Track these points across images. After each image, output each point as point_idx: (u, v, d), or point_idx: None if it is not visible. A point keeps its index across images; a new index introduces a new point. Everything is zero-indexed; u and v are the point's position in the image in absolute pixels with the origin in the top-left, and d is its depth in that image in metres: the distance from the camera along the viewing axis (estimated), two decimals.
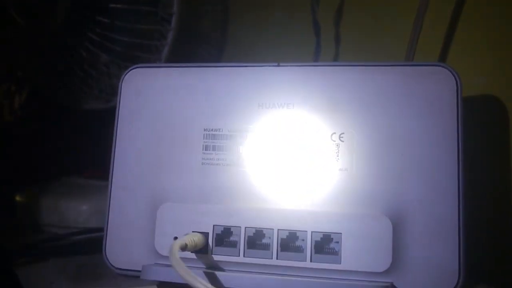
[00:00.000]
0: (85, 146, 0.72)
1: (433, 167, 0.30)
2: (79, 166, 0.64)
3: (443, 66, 0.32)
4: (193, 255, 0.31)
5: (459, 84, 0.31)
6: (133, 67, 0.36)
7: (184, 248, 0.28)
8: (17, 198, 0.55)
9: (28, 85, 0.66)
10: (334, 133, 0.32)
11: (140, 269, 0.31)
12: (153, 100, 0.35)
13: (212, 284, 0.26)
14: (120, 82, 0.36)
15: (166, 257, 0.31)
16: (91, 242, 0.41)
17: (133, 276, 0.32)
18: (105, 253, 0.34)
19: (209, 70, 0.34)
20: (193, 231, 0.32)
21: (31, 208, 0.52)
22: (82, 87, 0.56)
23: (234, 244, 0.31)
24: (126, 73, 0.36)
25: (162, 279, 0.29)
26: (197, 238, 0.30)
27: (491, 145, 0.40)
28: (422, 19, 0.40)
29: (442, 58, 0.43)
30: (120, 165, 0.35)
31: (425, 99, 0.31)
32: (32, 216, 0.51)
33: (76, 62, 0.53)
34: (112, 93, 0.56)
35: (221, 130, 0.33)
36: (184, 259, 0.30)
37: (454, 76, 0.31)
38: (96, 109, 0.57)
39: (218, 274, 0.29)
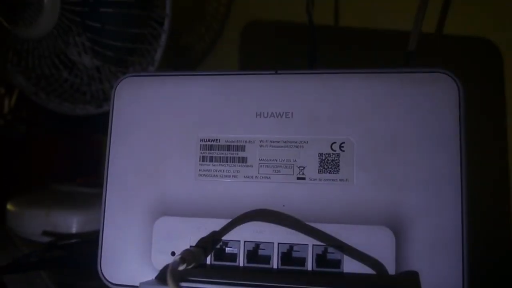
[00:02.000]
0: (77, 151, 0.71)
1: (435, 177, 0.30)
2: (71, 173, 0.63)
3: (444, 72, 0.31)
4: (191, 270, 0.30)
5: (461, 90, 0.30)
6: (125, 76, 0.35)
7: (182, 265, 0.27)
8: (8, 206, 0.54)
9: (17, 89, 0.65)
10: (335, 142, 0.31)
11: (136, 284, 0.30)
12: (147, 110, 0.34)
13: None
14: (113, 91, 0.35)
15: None
16: (87, 254, 0.41)
17: None
18: (100, 267, 0.33)
19: (205, 78, 0.34)
20: (191, 246, 0.31)
21: (21, 217, 0.51)
22: (73, 92, 0.55)
23: (233, 259, 0.30)
24: (119, 82, 0.35)
25: None
26: (195, 253, 0.29)
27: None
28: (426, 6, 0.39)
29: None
30: (115, 177, 0.34)
31: (426, 106, 0.31)
32: (23, 225, 0.50)
33: (66, 67, 0.52)
34: (103, 98, 0.55)
35: (218, 140, 0.33)
36: (182, 274, 0.30)
37: (455, 82, 0.31)
38: (87, 114, 0.56)
39: None
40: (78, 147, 0.72)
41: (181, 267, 0.27)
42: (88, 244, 0.42)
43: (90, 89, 0.55)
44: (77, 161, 0.68)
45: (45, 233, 0.49)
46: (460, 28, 0.43)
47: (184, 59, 0.75)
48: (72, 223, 0.48)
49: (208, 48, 0.74)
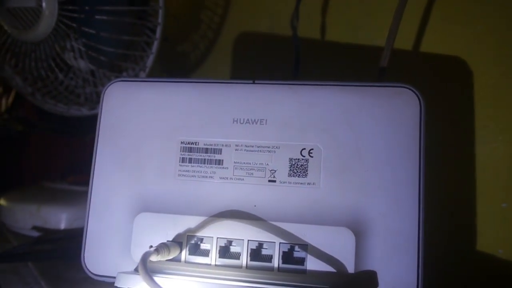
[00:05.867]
0: (71, 151, 0.74)
1: (395, 183, 0.32)
2: (64, 172, 0.65)
3: (408, 88, 0.33)
4: (167, 263, 0.33)
5: (422, 105, 0.33)
6: (114, 80, 0.37)
7: (156, 256, 0.30)
8: (0, 201, 0.56)
9: (15, 88, 0.67)
10: (304, 148, 0.33)
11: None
12: (133, 112, 0.36)
13: None
14: (102, 94, 0.37)
15: None
16: (72, 248, 0.43)
17: (110, 282, 0.34)
18: (83, 259, 0.35)
19: (188, 85, 0.36)
20: (167, 241, 0.33)
21: (13, 212, 0.53)
22: (68, 94, 0.57)
23: (206, 253, 0.33)
24: (108, 86, 0.37)
25: (135, 286, 0.31)
26: (171, 247, 0.31)
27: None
28: (397, 27, 0.41)
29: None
30: (100, 174, 0.36)
31: (390, 118, 0.33)
32: (14, 219, 0.52)
33: (62, 70, 0.55)
34: (97, 100, 0.57)
35: (197, 143, 0.35)
36: (158, 266, 0.32)
37: (418, 97, 0.33)
38: (80, 115, 0.58)
39: (190, 282, 0.31)
40: (72, 147, 0.75)
41: (155, 258, 0.30)
42: (75, 239, 0.44)
43: (85, 91, 0.57)
44: (71, 161, 0.71)
45: (35, 228, 0.51)
46: (437, 47, 0.46)
47: (179, 66, 0.78)
48: (61, 219, 0.50)
49: (203, 56, 0.76)
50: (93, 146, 0.37)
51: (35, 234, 0.50)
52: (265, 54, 0.65)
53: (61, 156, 0.73)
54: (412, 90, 0.33)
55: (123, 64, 0.55)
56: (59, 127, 0.71)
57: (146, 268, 0.25)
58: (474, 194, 0.41)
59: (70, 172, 0.61)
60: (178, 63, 0.78)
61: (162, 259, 0.31)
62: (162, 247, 0.30)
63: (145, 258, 0.26)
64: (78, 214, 0.50)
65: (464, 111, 0.43)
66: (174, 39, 0.75)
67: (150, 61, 0.54)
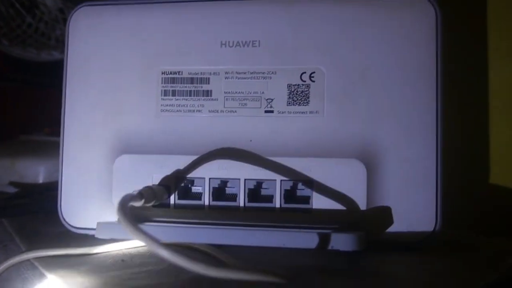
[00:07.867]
0: (45, 103, 0.69)
1: (410, 108, 0.28)
2: (40, 125, 0.60)
3: None
4: (154, 210, 0.29)
5: (439, 16, 0.28)
6: (81, 5, 0.32)
7: (139, 200, 0.26)
8: None
9: None
10: (304, 72, 0.29)
11: None
12: (105, 42, 0.32)
13: (175, 238, 0.24)
14: (67, 23, 0.32)
15: None
16: (51, 201, 0.39)
17: (92, 235, 0.30)
18: (61, 211, 0.32)
19: (165, 6, 0.31)
20: (153, 184, 0.29)
21: None
22: (38, 37, 0.52)
23: (198, 196, 0.29)
24: (73, 13, 0.32)
25: (117, 236, 0.27)
26: (157, 191, 0.28)
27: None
28: None
29: None
30: (72, 114, 0.32)
31: (400, 33, 0.29)
32: None
33: (29, 11, 0.49)
34: None
35: (180, 73, 0.30)
36: (144, 213, 0.28)
37: (433, 7, 0.29)
38: (52, 60, 0.53)
39: (181, 228, 0.27)
40: (46, 99, 0.69)
41: (139, 204, 0.26)
42: (54, 192, 0.40)
43: (55, 33, 0.52)
44: (45, 113, 0.66)
45: (12, 183, 0.47)
46: None
47: None
48: (39, 172, 0.46)
49: None
50: None
51: (12, 190, 0.46)
52: None
53: (35, 109, 0.68)
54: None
55: None
56: (31, 77, 0.66)
57: (126, 212, 0.21)
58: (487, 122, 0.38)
59: (46, 124, 0.56)
60: None
61: (147, 205, 0.27)
62: (146, 191, 0.26)
63: (124, 201, 0.22)
64: (58, 166, 0.46)
65: (479, 31, 0.38)
66: None
67: None
